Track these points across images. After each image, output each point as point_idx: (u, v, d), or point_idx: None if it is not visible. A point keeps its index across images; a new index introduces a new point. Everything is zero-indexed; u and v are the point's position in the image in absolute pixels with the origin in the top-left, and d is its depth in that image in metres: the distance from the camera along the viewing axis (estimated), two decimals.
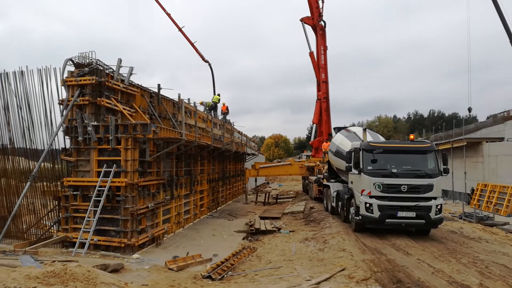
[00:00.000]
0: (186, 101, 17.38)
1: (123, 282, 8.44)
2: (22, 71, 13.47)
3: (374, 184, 12.61)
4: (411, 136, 14.82)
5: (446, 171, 12.99)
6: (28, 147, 14.07)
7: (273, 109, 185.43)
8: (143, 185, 12.81)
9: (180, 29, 33.07)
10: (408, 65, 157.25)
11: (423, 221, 12.41)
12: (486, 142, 26.25)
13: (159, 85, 15.43)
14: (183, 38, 33.19)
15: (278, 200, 28.61)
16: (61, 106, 12.61)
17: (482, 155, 25.72)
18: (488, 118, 47.66)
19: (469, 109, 42.37)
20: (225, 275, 9.73)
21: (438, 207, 12.49)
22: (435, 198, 12.57)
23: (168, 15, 31.85)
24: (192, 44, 33.65)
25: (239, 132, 30.22)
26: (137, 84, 14.24)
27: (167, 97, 16.24)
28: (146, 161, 13.09)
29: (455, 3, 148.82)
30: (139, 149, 12.62)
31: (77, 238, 11.73)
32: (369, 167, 12.93)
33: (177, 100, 16.51)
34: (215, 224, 18.37)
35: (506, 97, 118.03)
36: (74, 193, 12.48)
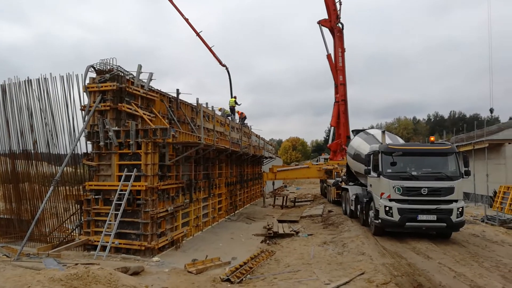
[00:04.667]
0: (205, 106, 17.55)
1: (143, 284, 8.57)
2: (45, 78, 13.85)
3: (393, 187, 12.48)
4: (431, 138, 14.59)
5: (467, 173, 12.78)
6: (51, 152, 14.43)
7: (295, 112, 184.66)
8: (162, 189, 12.96)
9: (198, 34, 33.37)
10: (432, 66, 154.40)
11: (444, 224, 12.22)
12: (509, 143, 25.63)
13: (177, 90, 15.66)
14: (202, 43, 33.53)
15: (296, 204, 28.53)
16: (83, 112, 12.91)
17: (504, 156, 25.13)
18: (510, 119, 46.59)
19: (491, 110, 41.37)
20: (244, 279, 9.76)
21: (460, 210, 12.27)
22: (456, 201, 12.37)
23: (186, 20, 32.20)
24: (209, 49, 33.90)
25: (256, 135, 30.30)
26: (157, 90, 14.46)
27: (185, 101, 16.44)
28: (166, 165, 13.26)
29: (482, 1, 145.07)
30: (158, 153, 12.79)
31: (98, 241, 11.94)
32: (389, 170, 12.81)
33: (195, 104, 16.69)
34: (233, 227, 18.44)
35: None
36: (96, 197, 12.74)
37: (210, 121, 17.48)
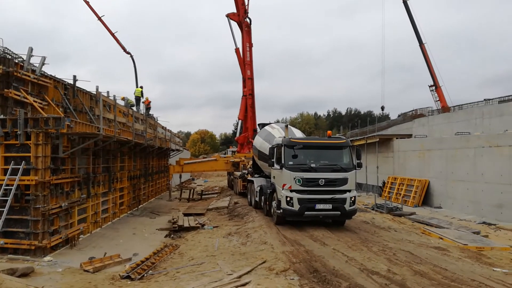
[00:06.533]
0: (105, 94, 16.56)
1: (32, 286, 7.87)
2: None
3: (294, 178, 13.08)
4: (329, 133, 15.64)
5: (359, 165, 13.88)
6: None
7: (206, 104, 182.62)
8: (55, 183, 11.99)
9: (99, 18, 31.31)
10: (335, 65, 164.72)
11: (339, 212, 13.17)
12: (396, 138, 28.42)
13: (74, 76, 14.51)
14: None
15: (203, 196, 28.47)
16: None
17: (392, 150, 27.85)
18: (399, 116, 51.87)
19: (382, 108, 45.68)
20: (145, 274, 9.50)
21: (352, 199, 13.32)
22: (349, 191, 13.38)
23: (86, 2, 29.99)
24: (112, 35, 32.04)
25: (162, 127, 29.52)
26: (51, 75, 13.27)
27: (83, 89, 15.34)
28: (60, 158, 12.27)
29: (390, 3, 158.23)
30: (51, 145, 11.77)
31: None
32: (290, 162, 13.38)
33: (94, 93, 15.66)
34: (136, 222, 17.79)
35: (420, 97, 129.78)
36: None
37: (112, 111, 16.55)
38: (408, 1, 41.97)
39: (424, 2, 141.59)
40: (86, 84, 15.31)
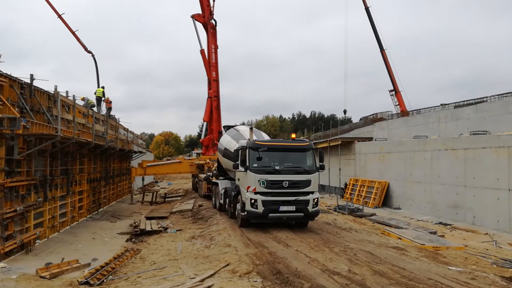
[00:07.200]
0: (64, 94, 15.98)
1: None
2: None
3: (259, 180, 13.13)
4: (293, 135, 15.84)
5: (322, 168, 14.15)
6: None
7: (171, 106, 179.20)
8: (10, 187, 11.43)
9: (59, 16, 30.29)
10: (301, 68, 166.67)
11: (302, 214, 13.33)
12: (358, 141, 29.14)
13: (31, 75, 13.88)
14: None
15: (166, 199, 28.03)
16: None
17: (354, 153, 28.53)
18: (360, 119, 53.25)
19: (345, 111, 46.75)
20: (105, 280, 9.24)
21: (315, 201, 13.53)
22: (312, 193, 13.57)
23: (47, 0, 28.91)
24: (73, 33, 31.11)
25: (124, 128, 28.85)
26: (5, 74, 12.64)
27: (41, 89, 14.70)
28: (15, 160, 11.71)
29: (352, 9, 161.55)
30: (5, 146, 11.22)
31: None
32: (255, 165, 13.43)
33: (53, 92, 15.07)
34: (95, 226, 17.26)
35: (381, 101, 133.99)
36: None
37: (71, 111, 15.99)
38: (370, 8, 43.28)
39: (386, 9, 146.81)
40: (45, 83, 14.65)
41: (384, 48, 43.46)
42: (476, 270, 9.63)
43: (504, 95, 28.53)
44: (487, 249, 12.79)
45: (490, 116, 26.97)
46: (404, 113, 41.70)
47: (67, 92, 16.40)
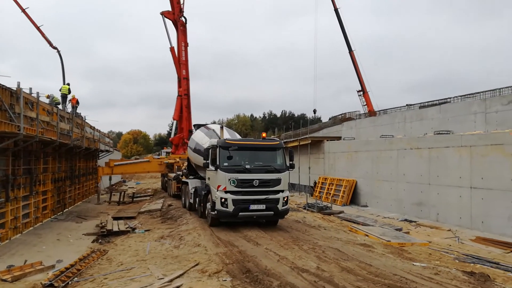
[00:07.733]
0: (27, 91, 15.36)
1: None
2: None
3: (229, 179, 13.10)
4: (263, 134, 15.89)
5: (292, 166, 14.26)
6: None
7: (140, 104, 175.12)
8: None
9: (23, 10, 29.18)
10: (272, 68, 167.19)
11: (272, 212, 13.41)
12: (327, 140, 29.56)
13: None
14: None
15: (134, 199, 27.49)
16: None
17: (323, 152, 28.93)
18: (329, 119, 54.08)
19: (314, 111, 47.41)
20: (70, 282, 8.97)
21: (285, 199, 13.64)
22: (282, 191, 13.68)
23: None
24: (38, 28, 30.06)
25: (91, 126, 28.09)
26: None
27: (3, 85, 14.10)
28: None
29: (324, 11, 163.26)
30: None
31: None
32: (225, 164, 13.38)
33: (15, 89, 14.47)
34: (60, 227, 16.72)
35: (349, 101, 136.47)
36: None
37: (34, 109, 15.41)
38: (339, 9, 43.99)
39: (354, 11, 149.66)
40: (7, 79, 14.07)
41: (353, 49, 44.27)
42: (439, 265, 9.99)
43: (466, 96, 29.63)
44: (450, 245, 13.27)
45: (453, 117, 27.98)
46: (371, 113, 42.63)
47: (30, 89, 15.77)
